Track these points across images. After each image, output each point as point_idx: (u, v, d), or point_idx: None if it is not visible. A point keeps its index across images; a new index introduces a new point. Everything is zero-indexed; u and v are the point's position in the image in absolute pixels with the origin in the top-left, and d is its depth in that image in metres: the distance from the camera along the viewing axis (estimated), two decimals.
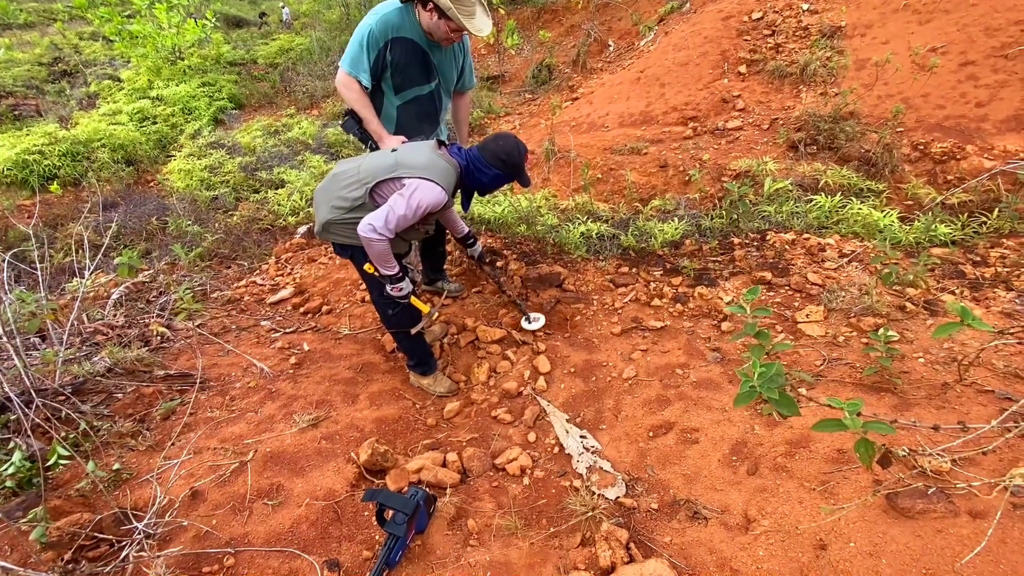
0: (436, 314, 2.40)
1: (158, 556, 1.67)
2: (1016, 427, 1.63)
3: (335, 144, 7.03)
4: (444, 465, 2.13)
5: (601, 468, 2.04)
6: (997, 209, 3.34)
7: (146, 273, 3.84)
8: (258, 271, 4.09)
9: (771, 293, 2.88)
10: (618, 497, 1.89)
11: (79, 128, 7.84)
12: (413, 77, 2.46)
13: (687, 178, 4.28)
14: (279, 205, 5.14)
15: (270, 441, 2.19)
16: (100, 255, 3.44)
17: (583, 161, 4.66)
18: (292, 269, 4.00)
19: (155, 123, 8.70)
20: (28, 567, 1.62)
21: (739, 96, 5.25)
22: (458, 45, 2.51)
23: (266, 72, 11.22)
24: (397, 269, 2.15)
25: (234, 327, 3.18)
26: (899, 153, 4.02)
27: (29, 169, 6.77)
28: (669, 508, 1.84)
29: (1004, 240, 3.19)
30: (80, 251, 3.72)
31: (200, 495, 1.95)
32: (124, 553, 1.69)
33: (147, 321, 3.14)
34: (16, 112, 9.45)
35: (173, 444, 2.19)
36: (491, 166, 2.19)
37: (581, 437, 2.20)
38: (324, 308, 3.39)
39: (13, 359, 2.26)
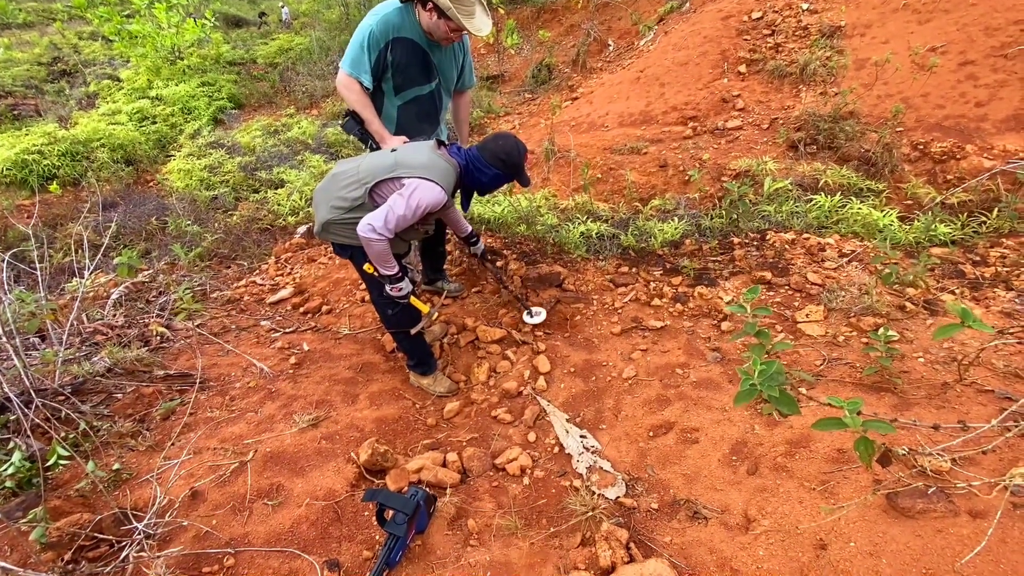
0: (436, 314, 2.40)
1: (158, 556, 1.67)
2: (1016, 426, 1.63)
3: (335, 144, 7.03)
4: (444, 465, 2.13)
5: (601, 468, 2.04)
6: (997, 209, 3.34)
7: (146, 273, 3.84)
8: (258, 271, 4.09)
9: (771, 293, 2.88)
10: (618, 497, 1.89)
11: (78, 128, 7.84)
12: (413, 77, 2.46)
13: (687, 178, 4.28)
14: (279, 205, 5.13)
15: (270, 441, 2.19)
16: (99, 255, 3.44)
17: (583, 161, 4.66)
18: (292, 269, 4.00)
19: (154, 123, 8.70)
20: (28, 567, 1.62)
21: (739, 96, 5.25)
22: (458, 44, 2.51)
23: (266, 72, 11.21)
24: (396, 269, 2.15)
25: (234, 327, 3.17)
26: (899, 153, 4.02)
27: (28, 169, 6.77)
28: (669, 508, 1.84)
29: (1004, 240, 3.19)
30: (79, 251, 3.72)
31: (200, 495, 1.95)
32: (124, 553, 1.69)
33: (147, 321, 3.14)
34: (15, 112, 9.44)
35: (173, 444, 2.19)
36: (491, 166, 2.19)
37: (581, 437, 2.20)
38: (324, 308, 3.39)
39: (13, 359, 2.26)
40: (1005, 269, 2.88)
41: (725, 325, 2.71)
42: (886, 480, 1.62)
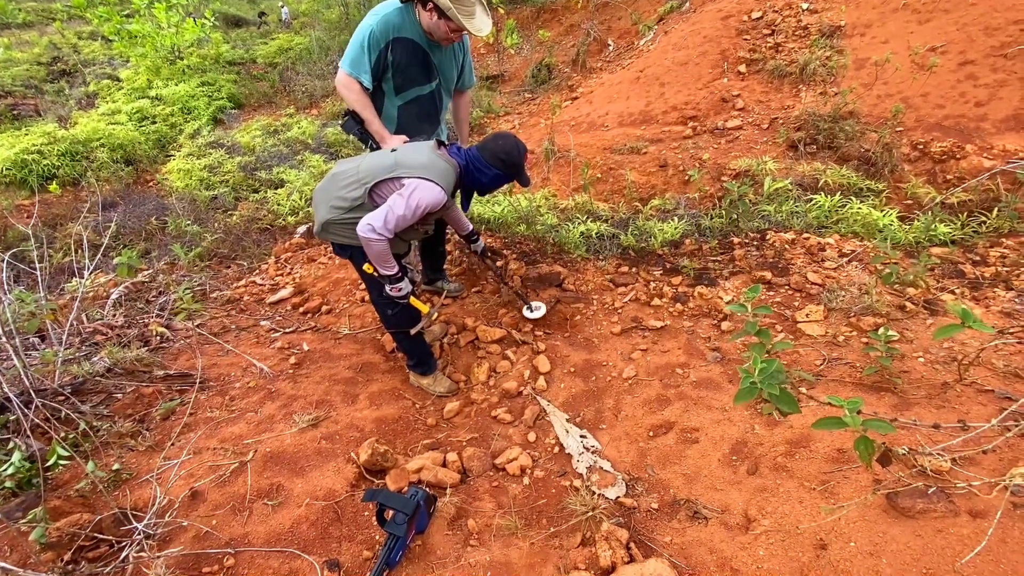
0: (436, 314, 2.40)
1: (158, 556, 1.67)
2: (1016, 426, 1.63)
3: (334, 144, 7.03)
4: (444, 465, 2.13)
5: (601, 468, 2.04)
6: (996, 208, 3.34)
7: (145, 273, 3.84)
8: (257, 271, 4.09)
9: (771, 293, 2.88)
10: (618, 497, 1.89)
11: (78, 128, 7.83)
12: (414, 77, 2.46)
13: (687, 178, 4.28)
14: (278, 205, 5.13)
15: (270, 441, 2.19)
16: (99, 255, 3.44)
17: (583, 161, 4.66)
18: (292, 269, 4.00)
19: (154, 123, 8.70)
20: (28, 568, 1.62)
21: (739, 95, 5.25)
22: (458, 44, 2.51)
23: (265, 72, 11.21)
24: (396, 269, 2.14)
25: (234, 327, 3.17)
26: (898, 152, 4.02)
27: (28, 169, 6.77)
28: (669, 508, 1.84)
29: (1004, 239, 3.19)
30: (79, 251, 3.72)
31: (200, 495, 1.95)
32: (124, 554, 1.69)
33: (146, 321, 3.14)
34: (15, 112, 9.43)
35: (173, 444, 2.19)
36: (491, 166, 2.18)
37: (581, 437, 2.20)
38: (324, 308, 3.39)
39: (12, 359, 2.25)
40: (1005, 269, 2.88)
41: (725, 325, 2.71)
42: (886, 480, 1.62)
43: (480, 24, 2.28)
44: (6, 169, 6.69)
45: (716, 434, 2.06)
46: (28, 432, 2.03)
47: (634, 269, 3.27)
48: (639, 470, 2.02)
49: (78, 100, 10.24)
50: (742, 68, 5.50)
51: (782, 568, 1.51)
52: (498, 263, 3.41)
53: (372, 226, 1.96)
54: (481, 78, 8.97)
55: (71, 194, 6.69)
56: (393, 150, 2.15)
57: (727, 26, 5.99)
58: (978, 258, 3.06)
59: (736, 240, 3.39)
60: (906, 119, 4.32)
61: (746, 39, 5.78)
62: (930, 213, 3.44)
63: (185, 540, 1.77)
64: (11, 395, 2.11)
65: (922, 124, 4.29)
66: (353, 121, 2.49)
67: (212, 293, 3.67)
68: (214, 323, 3.20)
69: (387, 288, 2.19)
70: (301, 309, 3.41)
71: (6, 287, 2.68)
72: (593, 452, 2.13)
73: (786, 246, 3.24)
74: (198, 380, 2.57)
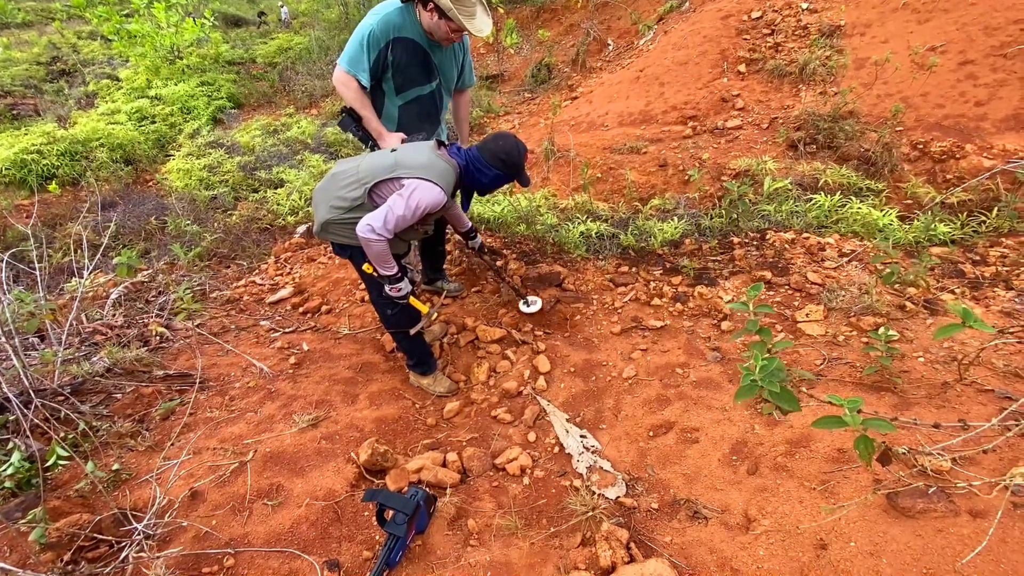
0: (435, 314, 2.40)
1: (158, 557, 1.67)
2: (1016, 426, 1.63)
3: (334, 143, 7.03)
4: (444, 465, 2.13)
5: (601, 468, 2.04)
6: (996, 208, 3.34)
7: (145, 273, 3.83)
8: (257, 271, 4.08)
9: (771, 292, 2.88)
10: (618, 497, 1.89)
11: (77, 127, 7.82)
12: (414, 77, 2.46)
13: (687, 177, 4.28)
14: (278, 205, 5.13)
15: (270, 441, 2.19)
16: (99, 255, 3.43)
17: (582, 160, 4.66)
18: (291, 269, 4.00)
19: (154, 122, 8.69)
20: (27, 568, 1.62)
21: (738, 95, 5.25)
22: (458, 44, 2.51)
23: (265, 71, 11.20)
24: (396, 269, 2.14)
25: (233, 327, 3.17)
26: (898, 152, 4.02)
27: (27, 169, 6.76)
28: (669, 508, 1.84)
29: (1004, 239, 3.19)
30: (79, 251, 3.71)
31: (200, 495, 1.95)
32: (124, 554, 1.69)
33: (146, 321, 3.13)
34: (14, 111, 9.42)
35: (172, 444, 2.19)
36: (491, 166, 2.18)
37: (581, 437, 2.20)
38: (323, 308, 3.39)
39: (12, 359, 2.25)
40: (1005, 268, 2.88)
41: (725, 325, 2.70)
42: (886, 480, 1.62)
43: (481, 24, 2.28)
44: (5, 169, 6.69)
45: (716, 434, 2.06)
46: (27, 432, 2.03)
47: (634, 269, 3.27)
48: (639, 470, 2.01)
49: (77, 100, 10.23)
50: (742, 68, 5.50)
51: (782, 568, 1.51)
52: (498, 263, 3.42)
53: (372, 226, 1.96)
54: (481, 78, 8.96)
55: (70, 194, 6.68)
56: (393, 150, 2.15)
57: (727, 26, 5.98)
58: (978, 258, 3.06)
59: (736, 240, 3.39)
60: (906, 119, 4.32)
61: (746, 39, 5.78)
62: (930, 213, 3.44)
63: (185, 540, 1.77)
64: (10, 395, 2.11)
65: (922, 124, 4.29)
66: (350, 118, 2.49)
67: (212, 293, 3.67)
68: (214, 323, 3.20)
69: (387, 288, 2.19)
70: (301, 309, 3.41)
71: (6, 287, 2.68)
72: (593, 452, 2.12)
73: (786, 246, 3.24)
74: (198, 380, 2.56)
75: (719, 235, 3.48)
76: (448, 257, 3.49)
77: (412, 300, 2.28)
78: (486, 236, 3.78)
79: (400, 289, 2.19)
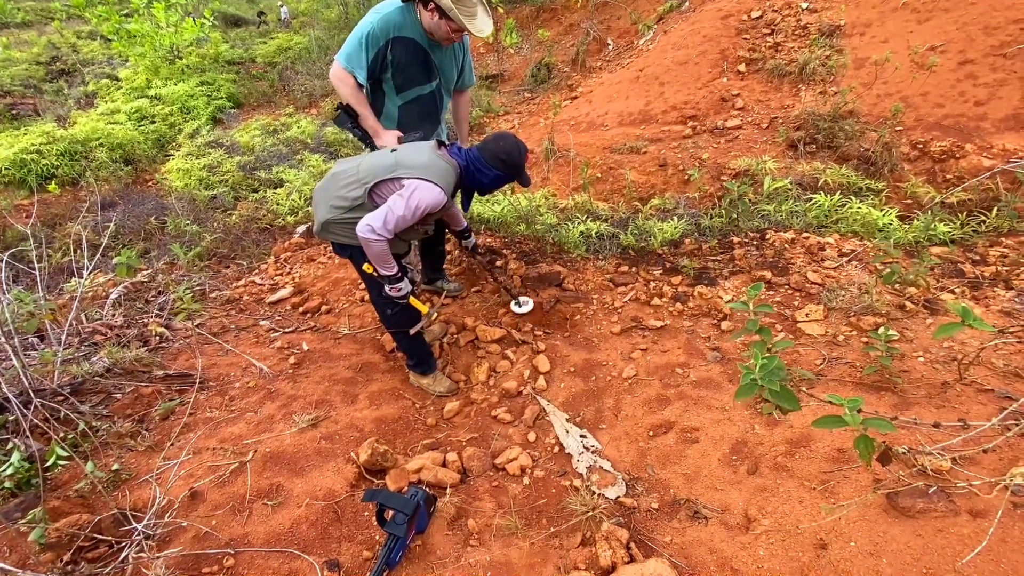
0: (435, 314, 2.40)
1: (157, 557, 1.67)
2: (1016, 425, 1.63)
3: (334, 143, 7.03)
4: (444, 465, 2.13)
5: (601, 468, 2.04)
6: (996, 208, 3.34)
7: (144, 273, 3.83)
8: (257, 271, 4.08)
9: (771, 292, 2.88)
10: (618, 497, 1.89)
11: (77, 127, 7.82)
12: (414, 77, 2.46)
13: (686, 177, 4.28)
14: (278, 204, 5.13)
15: (270, 441, 2.19)
16: (98, 255, 3.43)
17: (582, 160, 4.66)
18: (291, 269, 3.99)
19: (153, 122, 8.68)
20: (27, 568, 1.62)
21: (738, 95, 5.24)
22: (458, 44, 2.50)
23: (264, 71, 11.19)
24: (396, 269, 2.14)
25: (233, 327, 3.17)
26: (898, 152, 4.02)
27: (27, 168, 6.76)
28: (669, 508, 1.84)
29: (1003, 239, 3.19)
30: (78, 251, 3.71)
31: (199, 495, 1.95)
32: (123, 554, 1.69)
33: (146, 321, 3.13)
34: (14, 111, 9.41)
35: (172, 444, 2.19)
36: (491, 166, 2.18)
37: (581, 436, 2.20)
38: (323, 308, 3.39)
39: (11, 359, 2.25)
40: (1005, 268, 2.88)
41: (725, 324, 2.70)
42: (886, 480, 1.62)
43: (481, 24, 2.28)
44: (5, 169, 6.68)
45: (716, 434, 2.06)
46: (27, 432, 2.03)
47: (634, 269, 3.27)
48: (639, 470, 2.01)
49: (77, 100, 10.22)
50: (742, 67, 5.50)
51: (782, 568, 1.51)
52: (498, 263, 3.42)
53: (371, 226, 1.95)
54: (480, 77, 8.96)
55: (70, 194, 6.68)
56: (393, 150, 2.15)
57: (727, 25, 5.98)
58: (978, 257, 3.06)
59: (736, 239, 3.39)
60: (906, 118, 4.32)
61: (746, 38, 5.77)
62: (930, 212, 3.44)
63: (185, 540, 1.77)
64: (10, 395, 2.11)
65: (922, 123, 4.29)
66: (346, 115, 2.48)
67: (211, 293, 3.67)
68: (213, 323, 3.19)
69: (387, 288, 2.19)
70: (301, 309, 3.41)
71: (5, 287, 2.68)
72: (593, 452, 2.12)
73: (786, 245, 3.24)
74: (197, 380, 2.56)
75: (719, 235, 3.48)
76: (448, 257, 3.49)
77: (412, 300, 2.28)
78: (486, 236, 3.77)
79: (400, 289, 2.19)
